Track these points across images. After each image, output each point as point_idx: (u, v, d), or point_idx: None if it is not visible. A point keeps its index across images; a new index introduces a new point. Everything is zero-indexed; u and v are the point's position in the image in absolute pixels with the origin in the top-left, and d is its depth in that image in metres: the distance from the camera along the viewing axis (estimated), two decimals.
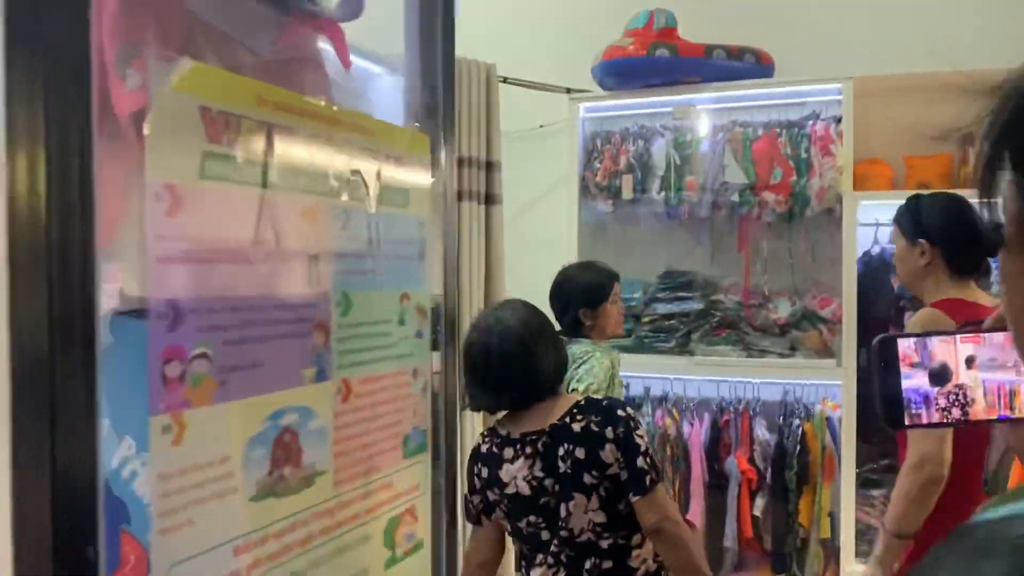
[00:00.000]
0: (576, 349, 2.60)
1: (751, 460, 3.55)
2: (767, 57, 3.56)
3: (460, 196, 3.31)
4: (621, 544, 1.86)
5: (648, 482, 1.81)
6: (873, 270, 3.46)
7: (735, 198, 3.57)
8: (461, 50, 3.38)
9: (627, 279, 3.80)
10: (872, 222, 3.45)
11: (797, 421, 3.48)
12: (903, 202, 2.29)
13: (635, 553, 1.87)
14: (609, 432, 1.82)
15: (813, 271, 3.67)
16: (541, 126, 4.14)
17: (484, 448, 1.97)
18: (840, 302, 3.36)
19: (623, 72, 3.53)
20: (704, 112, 3.67)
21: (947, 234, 2.11)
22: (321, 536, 1.10)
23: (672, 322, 3.72)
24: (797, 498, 3.47)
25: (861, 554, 3.22)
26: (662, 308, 3.74)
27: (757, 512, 3.52)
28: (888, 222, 3.43)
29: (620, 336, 3.07)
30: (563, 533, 1.85)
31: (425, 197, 1.36)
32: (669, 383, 3.80)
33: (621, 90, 3.66)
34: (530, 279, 3.47)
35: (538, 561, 1.91)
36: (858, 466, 3.37)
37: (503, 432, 1.94)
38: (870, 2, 3.68)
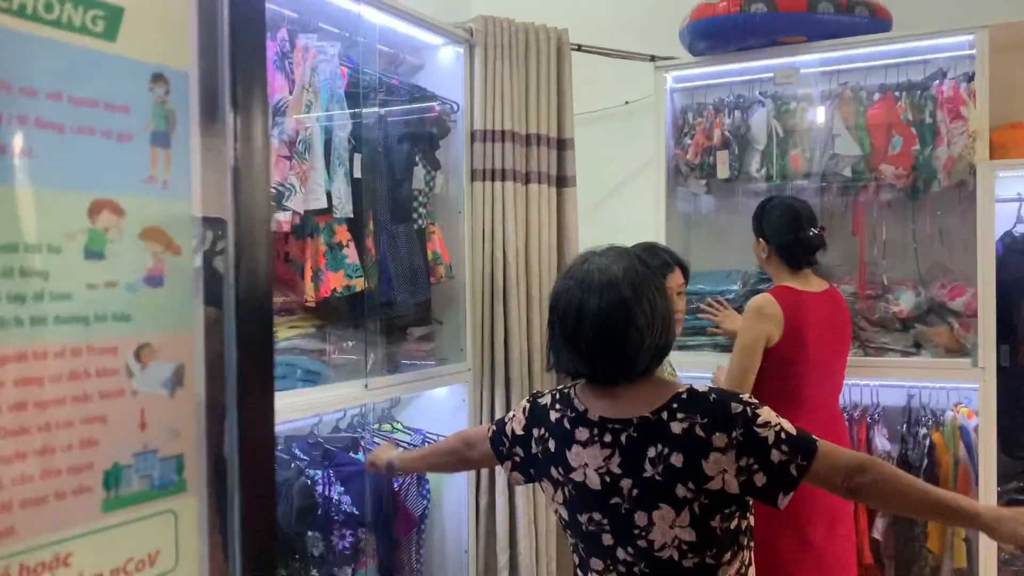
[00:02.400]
0: None
1: None
2: (882, 9, 3.08)
3: (528, 178, 3.00)
4: (709, 563, 1.56)
5: (795, 471, 1.49)
6: (1015, 253, 2.94)
7: (847, 172, 3.10)
8: (531, 17, 3.12)
9: (724, 270, 3.40)
10: (1015, 197, 2.93)
11: (924, 430, 3.00)
12: None
13: (722, 571, 1.58)
14: (719, 439, 1.49)
15: (941, 256, 3.16)
16: (627, 102, 3.79)
17: (554, 416, 1.67)
18: (975, 291, 2.86)
19: (714, 33, 3.13)
20: (810, 76, 3.22)
21: (778, 236, 2.62)
22: None
23: None
24: (926, 520, 2.98)
25: None
26: None
27: (877, 535, 3.06)
28: None
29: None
30: (640, 543, 1.56)
31: (169, 25, 0.78)
32: None
33: (713, 55, 3.25)
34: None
35: (598, 568, 1.63)
36: (1000, 484, 2.87)
37: (580, 407, 1.63)
38: None
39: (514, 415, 1.80)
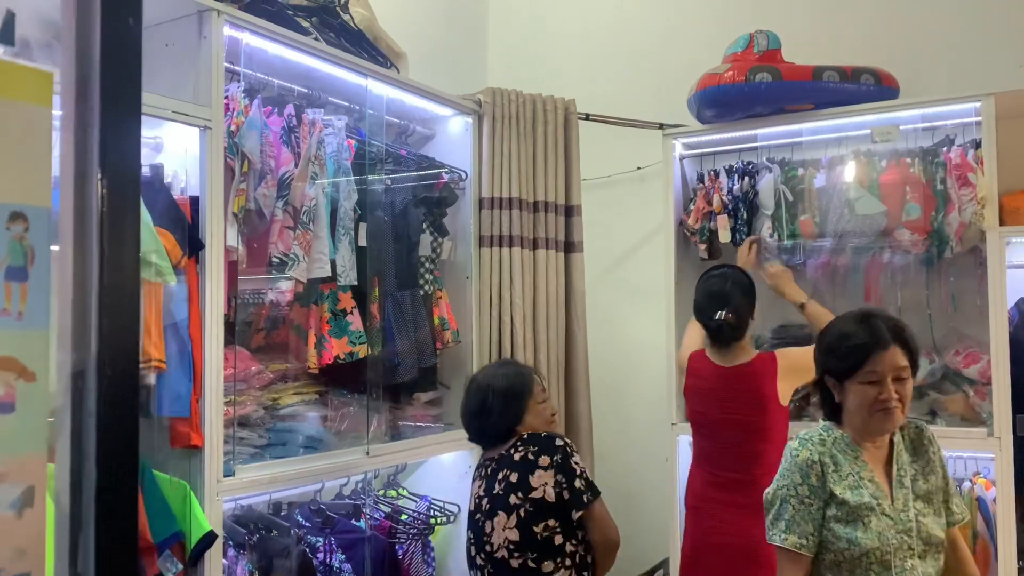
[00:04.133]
0: None
1: None
2: (888, 78, 3.10)
3: (535, 244, 3.03)
4: (531, 568, 2.08)
5: (587, 499, 2.12)
6: None
7: (868, 229, 3.06)
8: (545, 87, 3.19)
9: None
10: None
11: None
12: None
13: None
14: (544, 460, 2.12)
15: (956, 323, 3.11)
16: (638, 168, 3.82)
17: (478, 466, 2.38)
18: (989, 358, 2.81)
19: (721, 102, 3.16)
20: (818, 142, 3.23)
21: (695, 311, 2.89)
22: None
23: None
24: None
25: None
26: None
27: None
28: None
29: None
30: (487, 549, 2.13)
31: (30, 166, 0.77)
32: None
33: (720, 123, 3.28)
34: (628, 330, 3.17)
35: None
36: (1020, 558, 2.77)
37: (482, 457, 2.34)
38: (1009, 5, 3.16)
39: None
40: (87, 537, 0.66)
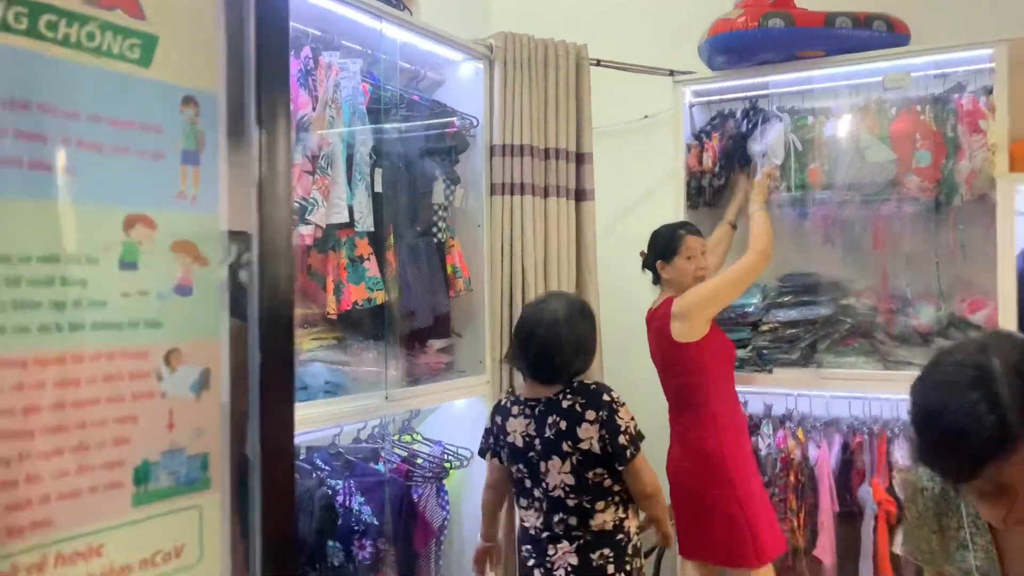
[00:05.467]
0: None
1: (889, 489, 3.06)
2: (900, 24, 3.09)
3: (547, 192, 3.03)
4: (585, 507, 2.26)
5: (630, 454, 2.23)
6: None
7: (885, 178, 3.08)
8: (551, 32, 3.16)
9: None
10: None
11: None
12: None
13: (596, 515, 2.27)
14: (590, 414, 2.22)
15: (963, 270, 3.14)
16: (646, 116, 3.81)
17: (503, 402, 2.47)
18: (995, 305, 2.84)
19: (732, 48, 3.14)
20: (829, 89, 3.23)
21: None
22: None
23: (795, 331, 3.28)
24: None
25: None
26: (783, 315, 3.31)
27: (897, 550, 3.03)
28: None
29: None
30: (543, 485, 2.29)
31: (199, 51, 0.82)
32: (793, 400, 3.36)
33: (731, 69, 3.27)
34: (632, 284, 3.17)
35: (524, 504, 2.39)
36: None
37: (518, 393, 2.43)
38: None
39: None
40: (253, 423, 0.70)
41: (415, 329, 2.77)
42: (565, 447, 2.24)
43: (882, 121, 3.10)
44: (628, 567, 2.31)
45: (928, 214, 3.18)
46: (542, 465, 2.29)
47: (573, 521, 2.28)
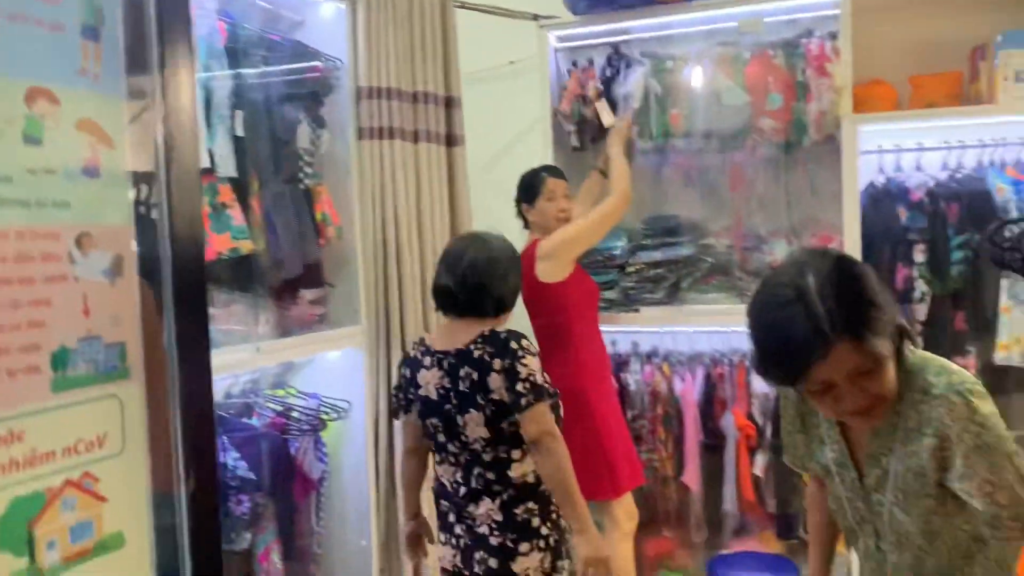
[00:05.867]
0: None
1: (749, 415, 3.26)
2: None
3: (417, 137, 2.98)
4: (502, 458, 2.15)
5: (524, 403, 2.06)
6: (878, 203, 3.14)
7: (735, 120, 3.21)
8: None
9: None
10: (875, 149, 3.12)
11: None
12: None
13: (514, 466, 2.16)
14: (497, 363, 2.10)
15: (813, 208, 3.34)
16: (511, 62, 3.80)
17: (412, 353, 2.32)
18: (842, 240, 3.04)
19: None
20: (687, 35, 3.32)
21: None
22: None
23: (660, 271, 3.40)
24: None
25: None
26: (648, 256, 3.42)
27: (758, 471, 3.24)
28: (894, 148, 3.14)
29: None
30: (462, 439, 2.17)
31: None
32: (659, 337, 3.51)
33: (594, 14, 3.30)
34: (506, 231, 3.18)
35: (439, 459, 2.27)
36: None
37: (428, 343, 2.27)
38: None
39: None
40: (168, 316, 0.68)
41: (285, 280, 2.69)
42: (479, 399, 2.11)
43: (737, 65, 3.22)
44: (554, 515, 2.21)
45: (780, 156, 3.35)
46: (459, 419, 2.15)
47: (492, 475, 2.15)
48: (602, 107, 3.28)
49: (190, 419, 0.77)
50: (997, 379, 2.96)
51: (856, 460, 1.51)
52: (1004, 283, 2.88)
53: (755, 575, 2.78)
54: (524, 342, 2.14)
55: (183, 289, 0.79)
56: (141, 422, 0.80)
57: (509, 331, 2.18)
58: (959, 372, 1.39)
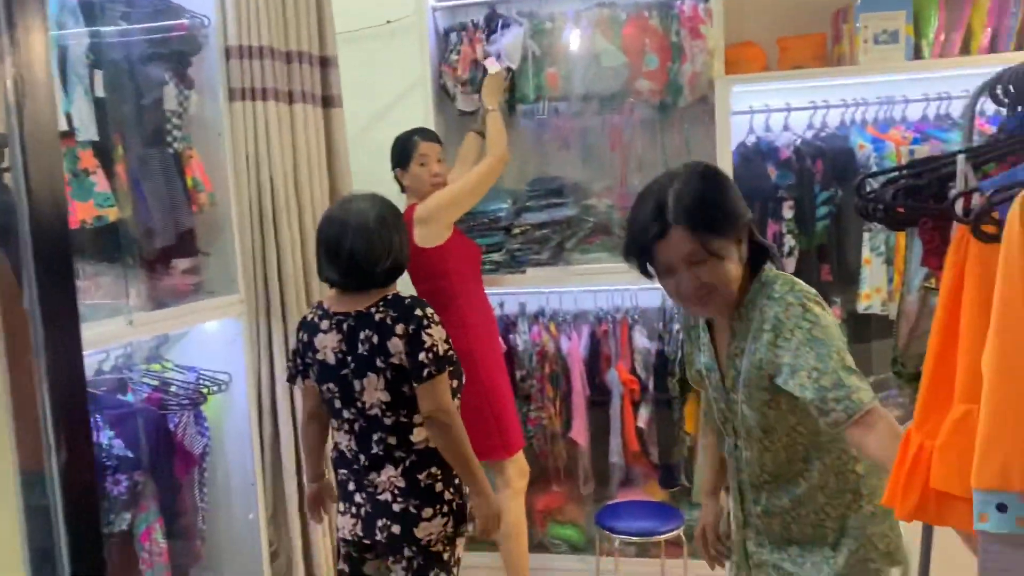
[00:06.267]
0: None
1: (632, 370, 3.35)
2: None
3: (292, 98, 2.88)
4: (403, 422, 2.12)
5: (426, 374, 2.04)
6: (748, 161, 3.25)
7: (613, 82, 3.24)
8: None
9: (493, 189, 3.48)
10: (746, 109, 3.22)
11: (677, 326, 3.29)
12: None
13: (416, 430, 2.13)
14: (400, 328, 2.07)
15: None
16: (389, 21, 3.72)
17: (309, 317, 2.24)
18: None
19: None
20: None
21: None
22: None
23: (544, 232, 3.43)
24: (682, 405, 3.30)
25: None
26: (533, 218, 3.44)
27: (642, 424, 3.35)
28: (763, 108, 3.25)
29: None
30: (358, 405, 2.13)
31: None
32: (545, 297, 3.55)
33: None
34: (386, 194, 3.13)
35: (335, 426, 2.23)
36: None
37: (326, 306, 2.20)
38: None
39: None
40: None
41: (157, 249, 2.57)
42: (379, 362, 2.07)
43: (614, 27, 3.26)
44: (456, 480, 2.18)
45: (657, 117, 3.42)
46: (357, 383, 2.10)
47: (392, 440, 2.12)
48: (491, 64, 3.25)
49: (59, 392, 0.71)
50: (860, 327, 3.14)
51: (720, 363, 1.66)
52: (865, 236, 3.05)
53: (641, 523, 2.88)
54: (428, 310, 2.11)
55: (46, 256, 0.74)
56: (3, 402, 0.73)
57: (413, 297, 2.15)
58: (802, 284, 1.55)
